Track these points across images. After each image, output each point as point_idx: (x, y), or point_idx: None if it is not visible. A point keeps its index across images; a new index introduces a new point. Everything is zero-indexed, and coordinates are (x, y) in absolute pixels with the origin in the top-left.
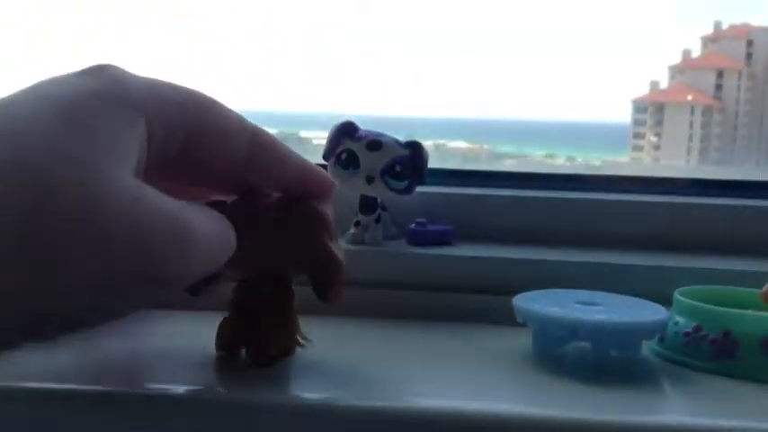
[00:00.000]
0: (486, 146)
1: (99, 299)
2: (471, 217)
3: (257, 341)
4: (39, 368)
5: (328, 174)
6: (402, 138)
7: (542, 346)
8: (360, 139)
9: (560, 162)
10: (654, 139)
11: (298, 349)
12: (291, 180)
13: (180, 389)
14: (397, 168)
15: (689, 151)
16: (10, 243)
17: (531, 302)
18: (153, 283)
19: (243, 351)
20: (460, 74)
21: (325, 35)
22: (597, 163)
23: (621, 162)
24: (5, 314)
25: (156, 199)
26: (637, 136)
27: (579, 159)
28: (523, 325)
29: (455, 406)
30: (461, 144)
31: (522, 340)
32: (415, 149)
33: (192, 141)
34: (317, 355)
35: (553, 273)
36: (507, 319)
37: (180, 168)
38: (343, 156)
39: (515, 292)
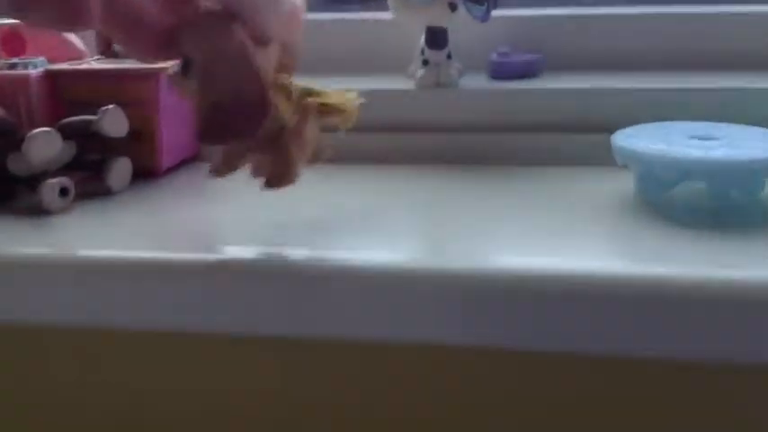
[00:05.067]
0: None
1: None
2: (563, 43)
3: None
4: (100, 237)
5: None
6: None
7: (647, 190)
8: None
9: None
10: None
11: (371, 212)
12: None
13: (250, 253)
14: None
15: None
16: None
17: (633, 140)
18: None
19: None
20: None
21: None
22: None
23: None
24: None
25: None
26: None
27: None
28: (624, 167)
29: (542, 266)
30: None
31: (622, 185)
32: None
33: None
34: (389, 211)
35: (661, 103)
36: (605, 160)
37: None
38: None
39: (615, 129)
